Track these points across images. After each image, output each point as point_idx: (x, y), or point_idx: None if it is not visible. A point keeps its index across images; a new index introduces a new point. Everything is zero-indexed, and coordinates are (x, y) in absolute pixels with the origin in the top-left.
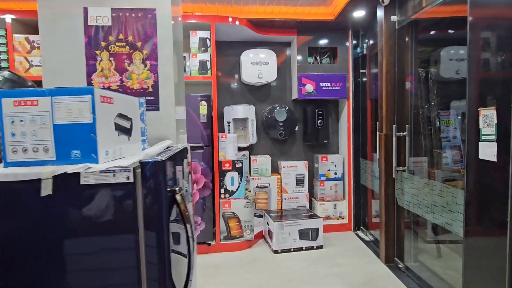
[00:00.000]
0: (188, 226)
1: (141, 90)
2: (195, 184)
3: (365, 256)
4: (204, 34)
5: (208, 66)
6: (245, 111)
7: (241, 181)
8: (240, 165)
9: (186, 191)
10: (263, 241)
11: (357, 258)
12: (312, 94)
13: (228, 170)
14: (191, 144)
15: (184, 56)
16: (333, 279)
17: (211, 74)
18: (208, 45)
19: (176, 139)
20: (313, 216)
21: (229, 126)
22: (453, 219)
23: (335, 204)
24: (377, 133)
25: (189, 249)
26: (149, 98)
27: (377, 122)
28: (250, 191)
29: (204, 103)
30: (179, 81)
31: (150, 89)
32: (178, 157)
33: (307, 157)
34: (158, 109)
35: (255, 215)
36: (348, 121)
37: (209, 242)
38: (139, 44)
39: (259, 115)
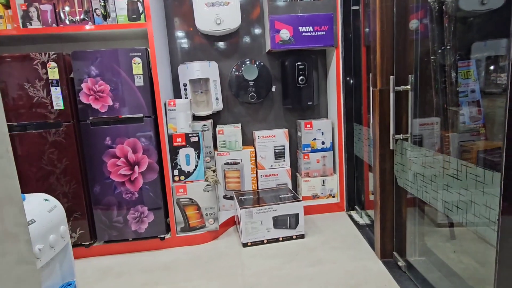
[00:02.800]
0: None
1: None
2: (136, 167)
3: (356, 247)
4: None
5: (141, 9)
6: (204, 69)
7: (199, 159)
8: (196, 138)
9: None
10: (234, 230)
11: (345, 251)
12: (289, 43)
13: (181, 146)
14: (122, 116)
15: None
16: (305, 284)
17: (145, 20)
18: None
19: None
20: (291, 198)
21: (185, 90)
22: (481, 207)
23: (323, 180)
24: (370, 89)
25: None
26: None
27: (370, 75)
28: (214, 170)
29: (138, 60)
30: None
31: None
32: None
33: (288, 124)
34: None
35: (225, 197)
36: (338, 76)
37: (162, 236)
38: None
39: (224, 74)
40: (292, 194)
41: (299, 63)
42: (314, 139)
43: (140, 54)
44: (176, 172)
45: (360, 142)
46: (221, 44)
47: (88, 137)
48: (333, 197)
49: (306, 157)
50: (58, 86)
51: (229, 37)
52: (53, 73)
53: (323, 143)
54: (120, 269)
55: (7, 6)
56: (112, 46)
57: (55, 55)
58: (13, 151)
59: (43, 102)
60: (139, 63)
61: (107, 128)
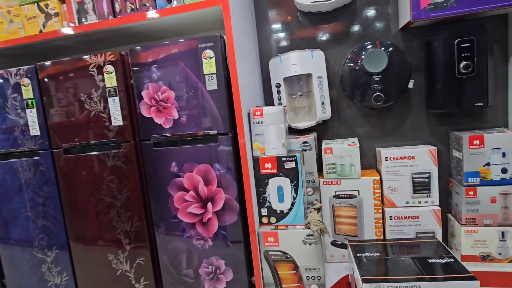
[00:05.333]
0: None
1: None
2: (209, 205)
3: None
4: None
5: None
6: (304, 62)
7: (296, 194)
8: (292, 164)
9: None
10: None
11: None
12: (446, 7)
13: (272, 175)
14: (189, 133)
15: None
16: None
17: None
18: None
19: None
20: (452, 269)
21: (279, 92)
22: None
23: (502, 233)
24: None
25: None
26: None
27: None
28: (319, 210)
29: (209, 53)
30: None
31: None
32: None
33: (435, 138)
34: None
35: (334, 243)
36: None
37: None
38: None
39: (334, 68)
40: (451, 257)
41: (461, 39)
42: (488, 163)
43: (212, 44)
44: (264, 212)
45: None
46: (329, 24)
47: (150, 161)
48: None
49: (471, 192)
50: (116, 95)
51: (340, 13)
52: (111, 80)
53: (504, 171)
54: None
55: (62, 0)
56: (171, 35)
57: (112, 55)
58: (71, 177)
59: (100, 117)
60: (211, 58)
61: (173, 150)
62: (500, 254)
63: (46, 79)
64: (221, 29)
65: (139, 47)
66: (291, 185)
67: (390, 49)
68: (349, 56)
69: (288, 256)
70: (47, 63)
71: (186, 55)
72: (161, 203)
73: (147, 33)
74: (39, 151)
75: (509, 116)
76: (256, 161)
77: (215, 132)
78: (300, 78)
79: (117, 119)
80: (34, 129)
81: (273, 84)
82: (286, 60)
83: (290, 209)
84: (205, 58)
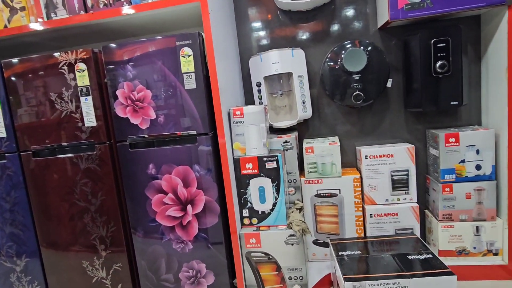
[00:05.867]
0: None
1: None
2: (188, 207)
3: None
4: None
5: None
6: (285, 60)
7: (278, 194)
8: (274, 164)
9: None
10: None
11: None
12: (423, 7)
13: (253, 175)
14: (168, 133)
15: None
16: None
17: None
18: None
19: None
20: (430, 264)
21: (259, 92)
22: None
23: (477, 227)
24: None
25: None
26: None
27: None
28: (301, 209)
29: (187, 51)
30: None
31: None
32: None
33: (412, 136)
34: None
35: (316, 243)
36: (511, 54)
37: None
38: None
39: (314, 67)
40: (429, 253)
41: (437, 39)
42: (462, 160)
43: (190, 42)
44: (245, 213)
45: None
46: (309, 23)
47: (126, 163)
48: (496, 254)
49: (448, 189)
50: (89, 95)
51: (320, 11)
52: (83, 78)
53: (478, 167)
54: None
55: None
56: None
57: (84, 52)
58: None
59: (72, 117)
60: (189, 56)
61: (150, 151)
62: (475, 248)
63: (12, 78)
64: (199, 27)
65: (113, 44)
66: (273, 185)
67: (369, 48)
68: (329, 55)
69: (270, 257)
70: (14, 60)
71: (163, 53)
72: (138, 207)
73: (121, 30)
74: (6, 154)
75: (482, 114)
76: (237, 161)
77: (194, 132)
78: (281, 77)
79: (90, 119)
80: (0, 131)
81: (253, 83)
82: (266, 59)
83: (272, 210)
84: (183, 56)
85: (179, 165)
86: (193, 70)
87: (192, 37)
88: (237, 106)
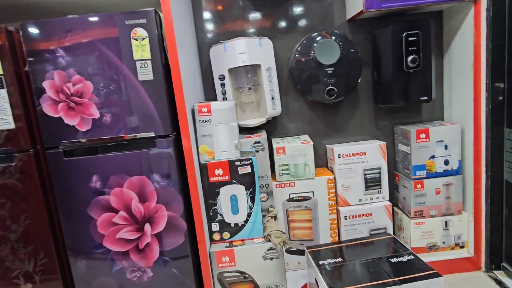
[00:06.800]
0: None
1: None
2: (146, 226)
3: None
4: None
5: None
6: (253, 51)
7: (253, 203)
8: (248, 169)
9: None
10: None
11: None
12: None
13: (224, 183)
14: (116, 136)
15: None
16: None
17: None
18: None
19: None
20: (415, 266)
21: (223, 86)
22: None
23: (446, 222)
24: None
25: None
26: None
27: None
28: (275, 217)
29: (141, 32)
30: None
31: None
32: None
33: (381, 133)
34: None
35: (289, 251)
36: (477, 49)
37: None
38: None
39: (282, 58)
40: (410, 253)
41: (408, 33)
42: (432, 156)
43: (145, 21)
44: (215, 227)
45: None
46: (273, 11)
47: (60, 175)
48: (462, 247)
49: (419, 185)
50: (2, 88)
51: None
52: None
53: (446, 162)
54: None
55: None
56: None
57: None
58: None
59: None
60: (143, 39)
61: (92, 160)
62: (444, 242)
63: None
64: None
65: (36, 22)
66: (247, 193)
67: (342, 40)
68: (299, 48)
69: (246, 275)
70: None
71: (109, 33)
72: (78, 230)
73: (51, 9)
74: None
75: (445, 109)
76: (204, 167)
77: (152, 134)
78: (248, 70)
79: (5, 120)
80: None
81: (215, 76)
82: (231, 48)
83: (246, 221)
84: (136, 39)
85: (132, 175)
86: (149, 57)
87: (146, 16)
88: (200, 102)
